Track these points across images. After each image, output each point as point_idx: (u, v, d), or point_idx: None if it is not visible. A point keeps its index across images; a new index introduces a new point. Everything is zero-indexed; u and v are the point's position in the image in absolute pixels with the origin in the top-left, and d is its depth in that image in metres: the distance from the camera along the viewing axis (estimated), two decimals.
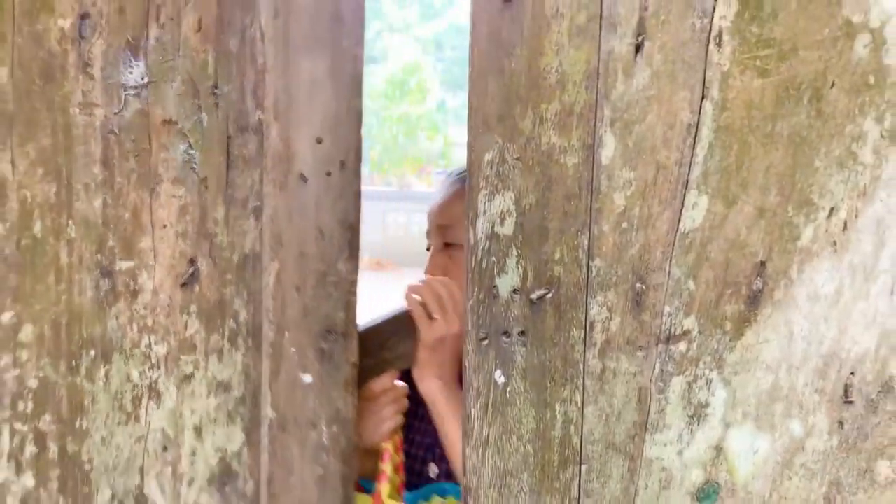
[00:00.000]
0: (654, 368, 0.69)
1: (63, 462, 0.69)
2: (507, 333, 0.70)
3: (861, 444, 0.68)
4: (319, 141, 0.69)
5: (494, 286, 0.69)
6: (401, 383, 1.01)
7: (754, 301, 0.67)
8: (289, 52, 0.68)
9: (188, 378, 0.71)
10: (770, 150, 0.66)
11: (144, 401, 0.70)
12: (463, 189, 1.20)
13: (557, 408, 0.70)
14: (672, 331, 0.68)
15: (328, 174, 0.69)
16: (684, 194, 0.67)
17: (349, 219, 0.70)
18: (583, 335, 0.70)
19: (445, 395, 1.00)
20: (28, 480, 0.69)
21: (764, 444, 0.69)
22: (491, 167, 0.68)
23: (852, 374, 0.68)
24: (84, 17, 0.65)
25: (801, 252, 0.67)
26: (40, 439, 0.69)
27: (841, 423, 0.68)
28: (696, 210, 0.67)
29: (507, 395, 0.71)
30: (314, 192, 0.69)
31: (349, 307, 0.72)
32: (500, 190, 0.68)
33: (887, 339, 0.67)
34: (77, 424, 0.69)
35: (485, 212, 0.68)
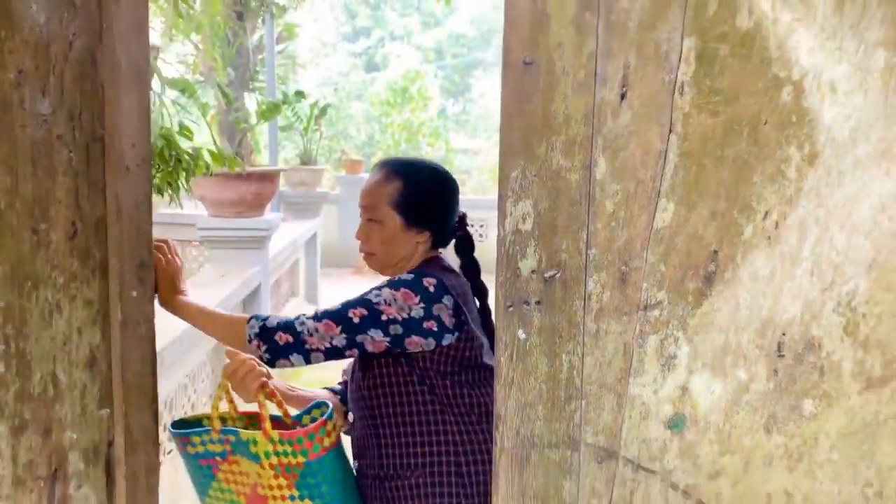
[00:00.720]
0: (636, 329, 0.83)
1: (17, 355, 0.95)
2: (526, 302, 0.85)
3: (791, 387, 0.80)
4: (134, 145, 1.01)
5: (517, 267, 0.85)
6: (244, 358, 1.38)
7: (709, 280, 0.81)
8: (116, 93, 0.98)
9: (74, 297, 0.98)
10: (720, 170, 0.79)
11: (55, 313, 0.97)
12: (382, 177, 1.47)
13: (564, 357, 0.85)
14: (648, 301, 0.82)
15: (138, 166, 1.01)
16: (657, 201, 0.81)
17: (148, 195, 1.04)
18: (582, 304, 0.84)
19: (189, 303, 1.41)
20: (1, 368, 0.94)
21: (718, 386, 0.81)
22: (516, 181, 0.84)
23: (783, 334, 0.79)
24: (20, 72, 0.92)
25: (744, 244, 0.79)
26: (6, 340, 0.93)
27: (776, 371, 0.80)
28: (666, 213, 0.81)
29: (527, 347, 0.86)
30: (133, 178, 1.01)
31: (149, 250, 1.05)
32: (522, 198, 0.84)
33: (809, 308, 0.79)
34: (23, 330, 0.95)
35: (511, 213, 0.85)
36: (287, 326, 1.37)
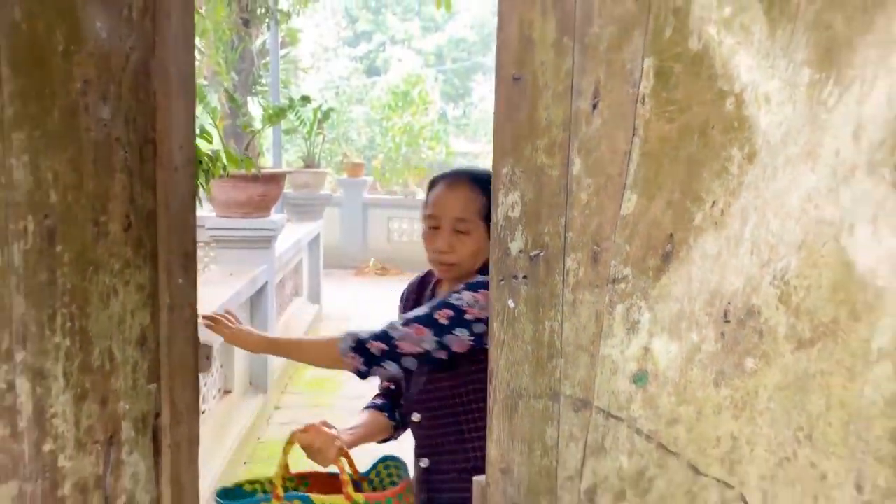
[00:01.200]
0: (606, 299, 0.93)
1: (80, 331, 1.02)
2: (515, 277, 0.96)
3: (735, 348, 0.87)
4: (181, 147, 1.11)
5: (508, 248, 0.96)
6: (318, 428, 1.43)
7: (667, 258, 0.89)
8: (168, 100, 1.08)
9: (127, 282, 1.06)
10: (675, 167, 0.88)
11: (111, 296, 1.05)
12: (469, 190, 1.53)
13: (546, 323, 0.95)
14: (616, 276, 0.92)
15: (185, 166, 1.10)
16: (623, 193, 0.90)
17: (192, 191, 1.13)
18: (562, 279, 0.94)
19: (271, 341, 1.50)
20: (67, 342, 1.00)
21: (674, 347, 0.90)
22: (507, 177, 0.96)
23: (729, 303, 0.86)
24: (86, 81, 1.00)
25: (695, 229, 0.87)
26: (71, 318, 1.00)
27: (723, 335, 0.87)
28: (630, 203, 0.90)
29: (515, 314, 0.97)
30: (180, 176, 1.11)
31: (193, 242, 1.13)
32: (511, 190, 0.96)
33: (750, 282, 0.86)
34: (85, 309, 1.02)
35: (502, 203, 0.97)
36: (379, 336, 1.43)
